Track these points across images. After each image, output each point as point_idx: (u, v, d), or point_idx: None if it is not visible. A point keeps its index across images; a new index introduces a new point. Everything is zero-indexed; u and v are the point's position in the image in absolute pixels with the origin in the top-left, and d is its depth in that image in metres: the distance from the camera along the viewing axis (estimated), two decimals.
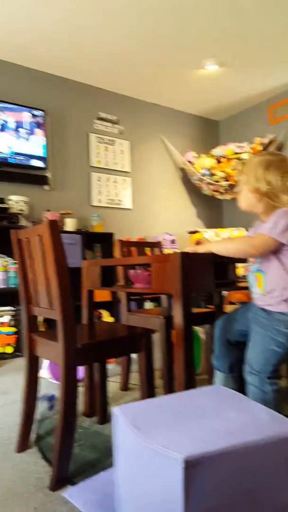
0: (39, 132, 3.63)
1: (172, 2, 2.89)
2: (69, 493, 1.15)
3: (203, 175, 4.46)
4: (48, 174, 3.74)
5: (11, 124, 3.48)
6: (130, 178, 4.35)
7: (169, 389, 1.80)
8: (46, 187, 3.73)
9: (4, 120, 3.43)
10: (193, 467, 0.73)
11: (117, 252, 2.27)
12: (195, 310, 2.12)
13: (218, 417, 0.89)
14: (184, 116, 4.90)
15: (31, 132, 3.59)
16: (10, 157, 3.45)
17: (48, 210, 3.60)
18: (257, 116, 4.71)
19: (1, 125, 3.42)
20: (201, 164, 4.49)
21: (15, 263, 3.05)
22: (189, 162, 4.60)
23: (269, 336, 1.27)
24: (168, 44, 3.43)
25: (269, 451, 0.79)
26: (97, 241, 3.88)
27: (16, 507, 1.09)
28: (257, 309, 1.37)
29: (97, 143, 4.12)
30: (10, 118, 3.47)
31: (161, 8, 2.96)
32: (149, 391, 1.46)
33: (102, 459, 1.36)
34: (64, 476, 1.20)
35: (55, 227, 1.20)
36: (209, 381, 2.08)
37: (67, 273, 1.21)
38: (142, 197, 4.45)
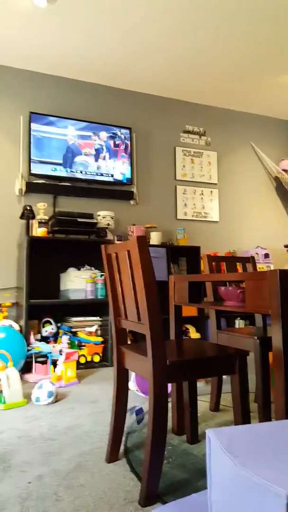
0: (125, 149, 3.80)
1: (260, 7, 2.82)
2: (160, 511, 1.13)
3: None
4: (134, 189, 3.88)
5: (99, 144, 3.70)
6: (217, 189, 4.29)
7: (266, 414, 1.68)
8: (131, 202, 3.88)
9: (98, 143, 3.69)
10: None
11: (204, 266, 2.23)
12: None
13: None
14: (277, 123, 4.69)
15: (118, 150, 3.77)
16: (98, 175, 3.66)
17: (134, 224, 3.73)
18: None
19: (95, 148, 3.67)
20: None
21: (102, 275, 3.21)
22: (285, 171, 4.37)
23: None
24: (256, 49, 3.34)
25: None
26: (182, 255, 3.88)
27: None
28: None
29: (183, 156, 4.17)
30: (98, 138, 3.70)
31: (250, 15, 2.91)
32: (243, 416, 1.38)
33: (193, 480, 1.31)
34: (154, 492, 1.19)
35: (144, 243, 1.22)
36: None
37: (155, 289, 1.22)
38: (230, 209, 4.34)
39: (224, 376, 1.96)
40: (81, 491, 1.25)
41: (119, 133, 3.78)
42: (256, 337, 1.75)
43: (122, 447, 1.56)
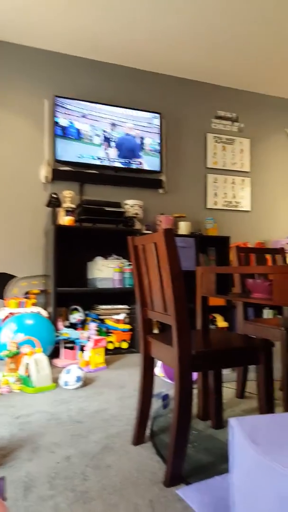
0: (155, 135, 3.75)
1: None
2: (184, 491, 1.18)
3: None
4: (163, 177, 3.86)
5: (129, 130, 3.67)
6: (250, 178, 4.20)
7: None
8: (160, 191, 3.86)
9: (127, 129, 3.68)
10: None
11: (232, 256, 2.22)
12: None
13: None
14: None
15: (147, 136, 3.73)
16: (126, 162, 3.64)
17: (162, 213, 3.72)
18: None
19: (123, 135, 3.67)
20: None
21: (130, 264, 3.25)
22: None
23: None
24: None
25: None
26: (211, 245, 3.86)
27: (133, 497, 1.17)
28: None
29: (214, 143, 4.09)
30: (127, 124, 3.66)
31: None
32: (268, 404, 1.39)
33: (217, 463, 1.35)
34: (178, 474, 1.24)
35: (171, 236, 1.24)
36: None
37: (182, 281, 1.24)
38: (263, 198, 4.25)
39: None
40: (108, 471, 1.31)
41: (149, 119, 3.75)
42: (282, 328, 1.74)
43: (148, 431, 1.62)
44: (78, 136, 3.49)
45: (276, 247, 2.44)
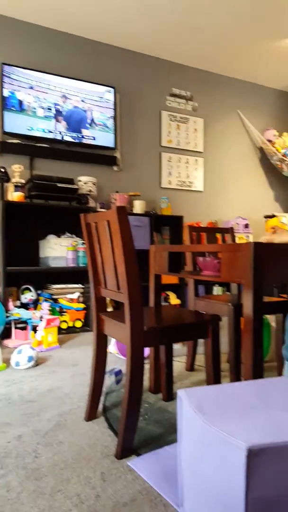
0: (109, 110, 3.65)
1: None
2: (134, 462, 1.22)
3: (284, 155, 4.20)
4: (117, 154, 3.78)
5: (79, 103, 3.52)
6: (203, 158, 4.26)
7: (236, 374, 1.79)
8: (115, 168, 3.79)
9: (78, 102, 3.54)
10: (256, 456, 0.73)
11: (186, 236, 2.27)
12: (268, 299, 2.05)
13: (285, 410, 0.87)
14: (264, 91, 4.61)
15: (103, 110, 3.61)
16: (78, 137, 3.51)
17: (117, 192, 3.67)
18: None
19: (73, 108, 3.53)
20: (283, 144, 4.22)
21: (83, 243, 3.21)
22: (269, 141, 4.36)
23: None
24: (248, 13, 3.23)
25: None
26: (166, 224, 3.90)
27: (85, 470, 1.19)
28: None
29: (169, 121, 4.07)
30: (78, 96, 3.51)
31: None
32: (215, 375, 1.47)
33: (166, 434, 1.41)
34: (130, 446, 1.27)
35: (124, 213, 1.23)
36: (278, 369, 2.03)
37: (134, 259, 1.24)
38: (215, 179, 4.34)
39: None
40: (60, 447, 1.32)
41: (101, 93, 3.63)
42: (230, 304, 1.82)
43: (101, 407, 1.64)
44: (20, 107, 3.29)
45: (227, 227, 2.52)
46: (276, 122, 4.61)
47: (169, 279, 3.59)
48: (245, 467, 0.73)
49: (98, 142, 3.61)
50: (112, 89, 3.66)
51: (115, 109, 3.69)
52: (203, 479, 0.88)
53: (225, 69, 4.23)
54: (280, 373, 1.99)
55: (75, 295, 3.23)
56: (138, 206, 3.66)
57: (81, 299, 3.30)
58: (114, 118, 3.68)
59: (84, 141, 3.54)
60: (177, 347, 2.66)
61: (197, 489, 0.92)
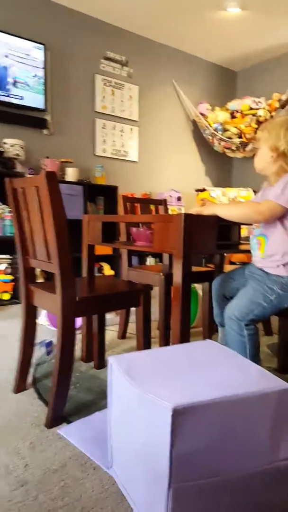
0: (37, 69, 3.38)
1: None
2: (64, 430, 1.23)
3: (216, 130, 4.29)
4: (48, 117, 3.56)
5: (1, 58, 3.20)
6: (138, 127, 4.19)
7: (165, 339, 1.87)
8: (45, 132, 3.57)
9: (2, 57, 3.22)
10: (180, 415, 0.77)
11: (120, 206, 2.25)
12: (195, 268, 2.15)
13: (209, 371, 0.93)
14: (200, 63, 4.61)
15: (29, 68, 3.33)
16: (4, 95, 3.22)
17: (47, 157, 3.47)
18: (278, 69, 4.45)
19: None
20: (215, 118, 4.31)
21: (11, 211, 3.03)
22: (202, 114, 4.41)
23: (261, 292, 1.31)
24: None
25: (255, 404, 0.84)
26: (100, 194, 3.82)
27: (13, 441, 1.18)
28: (255, 268, 1.40)
29: (103, 85, 3.90)
30: (4, 50, 3.19)
31: None
32: (145, 342, 1.52)
33: (98, 400, 1.44)
34: (60, 415, 1.28)
35: (54, 179, 1.17)
36: (204, 334, 2.17)
37: (65, 228, 1.20)
38: (150, 150, 4.31)
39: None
40: None
41: (28, 49, 3.34)
42: (161, 274, 1.88)
43: (31, 378, 1.61)
44: None
45: (160, 199, 2.55)
46: (209, 96, 4.66)
47: (103, 250, 3.57)
48: (170, 426, 0.77)
49: (26, 102, 3.34)
50: (42, 46, 3.39)
51: (45, 68, 3.43)
52: (131, 440, 0.92)
53: (162, 37, 4.13)
54: (205, 338, 2.13)
55: (2, 266, 3.07)
56: (71, 174, 3.52)
57: (8, 270, 3.15)
58: (45, 78, 3.42)
59: (9, 100, 3.25)
60: (110, 316, 2.70)
61: (125, 450, 0.96)
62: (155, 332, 2.20)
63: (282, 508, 0.90)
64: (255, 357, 1.33)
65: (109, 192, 3.78)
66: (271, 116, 4.09)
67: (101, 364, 1.74)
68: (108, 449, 1.05)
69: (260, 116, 4.10)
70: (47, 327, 2.36)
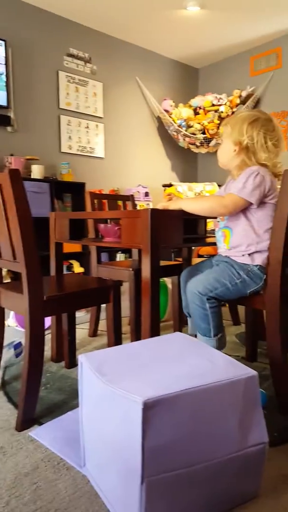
0: None
1: None
2: (36, 432, 1.21)
3: (180, 126, 4.33)
4: (11, 114, 3.47)
5: None
6: (103, 124, 4.15)
7: (136, 334, 1.87)
8: (9, 129, 3.47)
9: None
10: (151, 408, 0.78)
11: (88, 203, 2.22)
12: (164, 262, 2.16)
13: (178, 363, 0.94)
14: (162, 61, 4.64)
15: None
16: None
17: (12, 155, 3.38)
18: (238, 66, 4.54)
19: None
20: (178, 115, 4.34)
21: None
22: (166, 111, 4.44)
23: (228, 273, 1.34)
24: None
25: (224, 393, 0.85)
26: (67, 191, 3.76)
27: None
28: (222, 257, 1.43)
29: (67, 82, 3.84)
30: None
31: None
32: (116, 338, 1.51)
33: (69, 400, 1.42)
34: (31, 417, 1.25)
35: (17, 177, 1.14)
36: (174, 327, 2.19)
37: (31, 226, 1.17)
38: (116, 146, 4.29)
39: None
40: None
41: None
42: (131, 269, 1.87)
43: (0, 381, 1.57)
44: None
45: (128, 194, 2.55)
46: (172, 92, 4.70)
47: (72, 247, 3.51)
48: (141, 419, 0.77)
49: None
50: (2, 42, 3.29)
51: (6, 64, 3.33)
52: (104, 437, 0.91)
53: (125, 34, 4.11)
54: (175, 330, 2.15)
55: None
56: (37, 171, 3.44)
57: None
58: (7, 74, 3.32)
59: None
60: (81, 314, 2.67)
61: (98, 448, 0.95)
62: (126, 328, 2.20)
63: (253, 495, 0.93)
64: (219, 328, 1.36)
65: (76, 189, 3.73)
66: (233, 112, 4.18)
67: (72, 363, 1.72)
68: (80, 448, 1.04)
69: (222, 112, 4.18)
70: (15, 328, 2.30)
